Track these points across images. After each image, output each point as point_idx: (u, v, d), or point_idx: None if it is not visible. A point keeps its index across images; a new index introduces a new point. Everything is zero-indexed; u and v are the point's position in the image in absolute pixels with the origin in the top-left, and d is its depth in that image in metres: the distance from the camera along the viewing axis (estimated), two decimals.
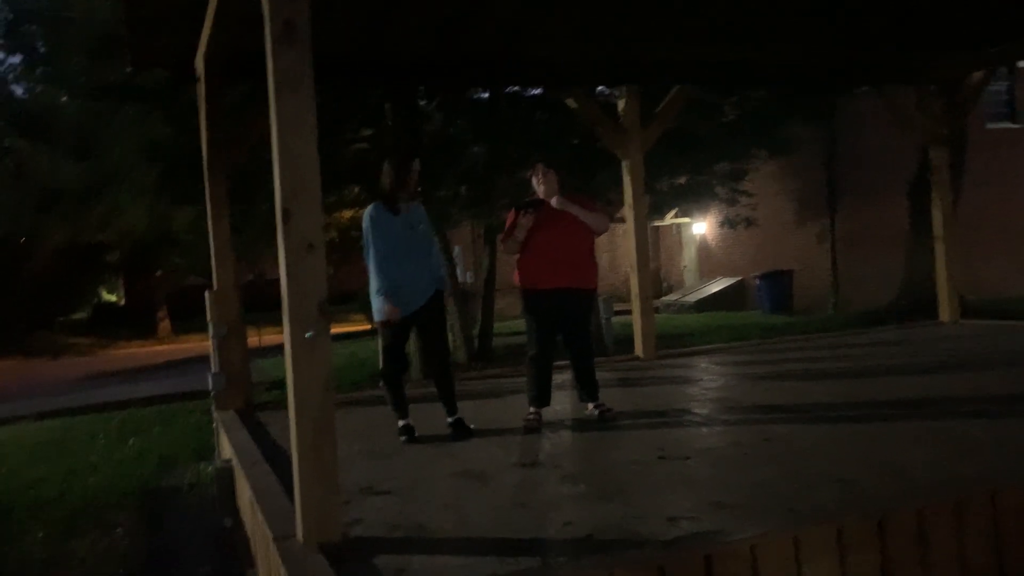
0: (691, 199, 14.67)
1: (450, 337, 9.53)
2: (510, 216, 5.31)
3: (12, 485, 6.79)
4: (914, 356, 7.53)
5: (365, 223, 4.99)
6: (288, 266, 3.07)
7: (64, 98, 22.49)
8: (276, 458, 4.59)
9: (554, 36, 6.91)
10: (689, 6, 6.53)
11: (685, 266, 24.73)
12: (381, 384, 5.38)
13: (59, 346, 27.96)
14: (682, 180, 13.49)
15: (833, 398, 5.69)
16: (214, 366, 6.43)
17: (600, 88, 10.40)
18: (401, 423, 5.12)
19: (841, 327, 12.55)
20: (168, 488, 6.51)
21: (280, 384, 10.69)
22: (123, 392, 13.78)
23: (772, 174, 17.63)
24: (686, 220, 23.03)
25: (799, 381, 6.59)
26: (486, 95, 11.66)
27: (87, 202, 22.50)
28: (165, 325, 29.30)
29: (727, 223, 16.64)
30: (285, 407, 3.21)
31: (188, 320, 27.03)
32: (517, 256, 5.30)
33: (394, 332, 5.06)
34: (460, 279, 11.33)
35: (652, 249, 23.50)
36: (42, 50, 22.54)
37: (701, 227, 22.87)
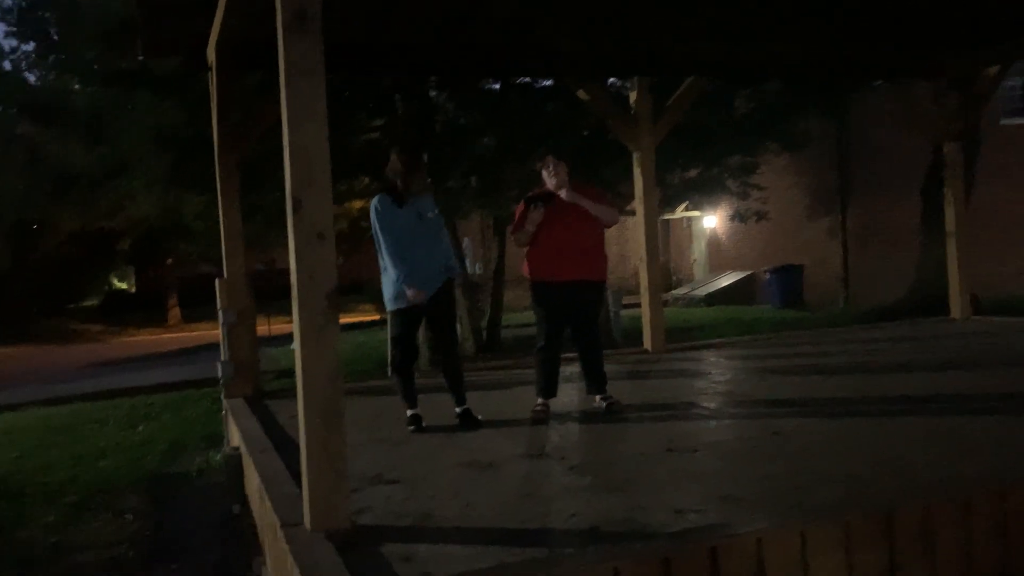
0: (702, 192, 14.61)
1: (458, 328, 9.54)
2: (519, 208, 5.30)
3: (22, 470, 6.84)
4: (925, 353, 7.50)
5: (372, 215, 5.00)
6: (298, 255, 3.08)
7: (76, 86, 22.56)
8: (284, 446, 4.61)
9: (565, 27, 6.89)
10: None
11: (695, 260, 24.67)
12: (390, 373, 5.39)
13: (70, 332, 28.15)
14: (693, 173, 13.44)
15: (842, 394, 5.68)
16: (223, 354, 6.46)
17: (612, 80, 10.37)
18: (409, 412, 5.13)
19: (851, 322, 12.51)
20: (177, 474, 6.54)
21: (289, 372, 10.74)
22: (133, 379, 13.86)
23: (784, 168, 17.56)
24: (696, 214, 22.96)
25: (808, 376, 6.57)
26: (496, 86, 11.64)
27: (99, 189, 22.61)
28: (175, 313, 29.45)
29: (738, 217, 16.58)
30: (294, 395, 3.22)
31: (198, 308, 27.16)
32: (526, 248, 5.30)
33: (404, 321, 5.06)
34: (469, 270, 11.33)
35: (662, 242, 23.45)
36: (55, 37, 22.62)
37: (711, 221, 22.79)
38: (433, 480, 3.97)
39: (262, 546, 4.12)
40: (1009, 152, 17.16)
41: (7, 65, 25.51)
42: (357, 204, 16.08)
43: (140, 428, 8.44)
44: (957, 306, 9.37)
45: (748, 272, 20.91)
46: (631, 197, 9.03)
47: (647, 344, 8.22)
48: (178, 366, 15.83)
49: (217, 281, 6.52)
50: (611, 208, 5.33)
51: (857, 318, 13.69)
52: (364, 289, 19.86)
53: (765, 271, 18.96)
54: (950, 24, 7.58)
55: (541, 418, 5.17)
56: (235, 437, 5.60)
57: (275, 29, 3.08)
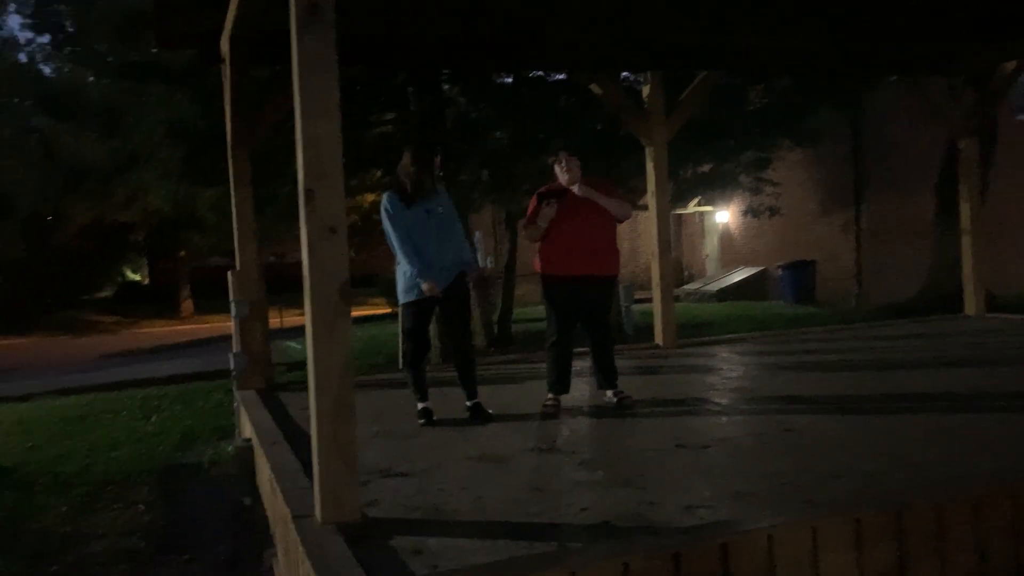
0: (715, 187, 14.55)
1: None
2: (532, 202, 5.29)
3: (36, 460, 6.89)
4: (938, 350, 7.46)
5: (382, 213, 5.02)
6: (310, 248, 3.08)
7: (91, 78, 22.68)
8: (296, 438, 4.63)
9: (578, 21, 6.86)
10: None
11: (707, 255, 24.58)
12: (401, 367, 5.40)
13: (83, 324, 28.30)
14: (706, 168, 13.39)
15: (854, 390, 5.65)
16: (236, 346, 6.48)
17: (624, 74, 10.33)
18: (420, 406, 5.14)
19: (864, 319, 12.44)
20: (188, 466, 6.57)
21: (300, 365, 10.77)
22: (145, 370, 13.93)
23: (797, 163, 17.45)
24: (709, 208, 22.87)
25: (820, 372, 6.55)
26: (509, 80, 11.62)
27: (112, 182, 22.72)
28: (188, 305, 29.55)
29: (751, 212, 16.50)
30: (305, 388, 3.23)
31: (210, 300, 27.24)
32: (539, 242, 5.29)
33: (416, 314, 5.07)
34: (480, 264, 11.32)
35: (674, 237, 23.37)
36: (70, 29, 22.72)
37: (724, 216, 22.70)
38: (443, 473, 3.97)
39: (273, 538, 4.14)
40: None
41: (22, 57, 25.68)
42: (369, 198, 16.10)
43: (152, 419, 8.48)
44: (972, 303, 9.31)
45: (760, 268, 20.82)
46: (643, 192, 9.00)
47: (658, 339, 8.20)
48: (190, 358, 15.89)
49: (230, 273, 6.54)
50: (623, 202, 5.32)
51: (870, 315, 13.61)
52: (375, 282, 19.87)
53: (777, 267, 18.88)
54: (966, 19, 7.51)
55: (552, 413, 5.17)
56: (247, 429, 5.62)
57: (288, 22, 3.08)
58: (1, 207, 23.18)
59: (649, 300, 9.22)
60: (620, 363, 5.53)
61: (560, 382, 5.30)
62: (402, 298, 5.10)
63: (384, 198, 5.04)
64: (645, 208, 8.58)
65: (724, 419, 4.96)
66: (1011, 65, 8.89)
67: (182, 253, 28.27)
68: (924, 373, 6.25)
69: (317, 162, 3.08)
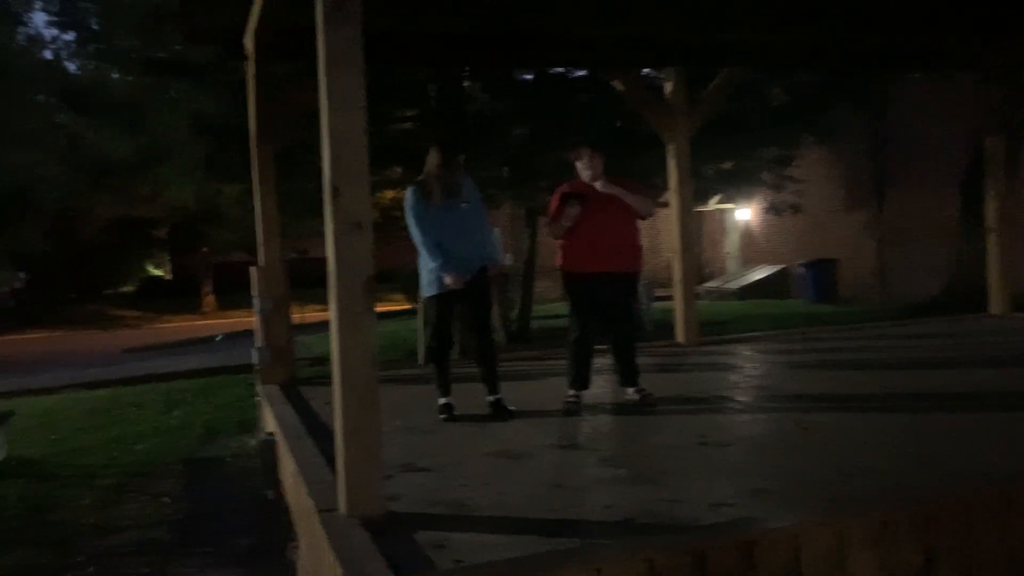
0: (736, 184, 14.49)
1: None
2: (554, 199, 5.28)
3: (61, 452, 6.98)
4: (962, 349, 7.39)
5: (406, 208, 5.05)
6: (336, 244, 3.09)
7: (115, 75, 22.88)
8: (319, 432, 4.65)
9: (600, 16, 6.84)
10: None
11: (728, 253, 24.46)
12: (422, 361, 5.41)
13: (107, 318, 28.61)
14: (727, 165, 13.32)
15: (877, 389, 5.61)
16: (258, 340, 6.52)
17: (646, 71, 10.29)
18: (442, 401, 5.15)
19: (886, 317, 12.34)
20: (211, 459, 6.64)
21: (322, 360, 10.83)
22: (168, 364, 14.05)
23: (819, 160, 17.34)
24: (730, 206, 22.75)
25: (843, 371, 6.50)
26: (530, 76, 11.61)
27: (136, 177, 22.93)
28: (210, 300, 29.79)
29: (772, 209, 16.40)
30: (327, 383, 3.24)
31: (232, 295, 27.44)
32: (560, 239, 5.29)
33: (439, 307, 5.09)
34: (499, 260, 11.33)
35: (694, 235, 23.26)
36: (95, 27, 22.93)
37: (745, 213, 22.58)
38: (465, 469, 3.98)
39: (296, 531, 4.16)
40: None
41: (48, 54, 25.95)
42: (389, 194, 16.13)
43: (176, 413, 8.56)
44: (997, 302, 9.21)
45: (781, 266, 20.69)
46: (664, 188, 8.97)
47: (679, 337, 8.17)
48: (212, 352, 16.02)
49: (253, 269, 6.58)
50: (647, 199, 5.30)
51: (892, 313, 13.50)
52: (395, 278, 19.91)
53: (799, 265, 18.76)
54: (991, 13, 7.42)
55: (573, 409, 5.17)
56: (269, 423, 5.66)
57: (314, 17, 3.09)
58: (27, 203, 23.46)
59: (668, 298, 9.19)
60: (641, 360, 5.50)
61: (581, 379, 5.29)
62: (425, 291, 5.13)
63: (408, 193, 5.07)
64: (666, 205, 8.55)
65: (746, 417, 4.93)
66: None
67: (204, 248, 28.49)
68: (949, 372, 6.19)
69: (343, 158, 3.09)
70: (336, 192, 3.08)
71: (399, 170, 12.28)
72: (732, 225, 24.01)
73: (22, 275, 32.90)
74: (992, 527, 3.10)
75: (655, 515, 3.16)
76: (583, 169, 5.22)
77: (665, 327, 9.50)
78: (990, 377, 5.87)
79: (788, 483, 3.51)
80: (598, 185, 5.13)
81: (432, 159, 5.00)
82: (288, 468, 4.42)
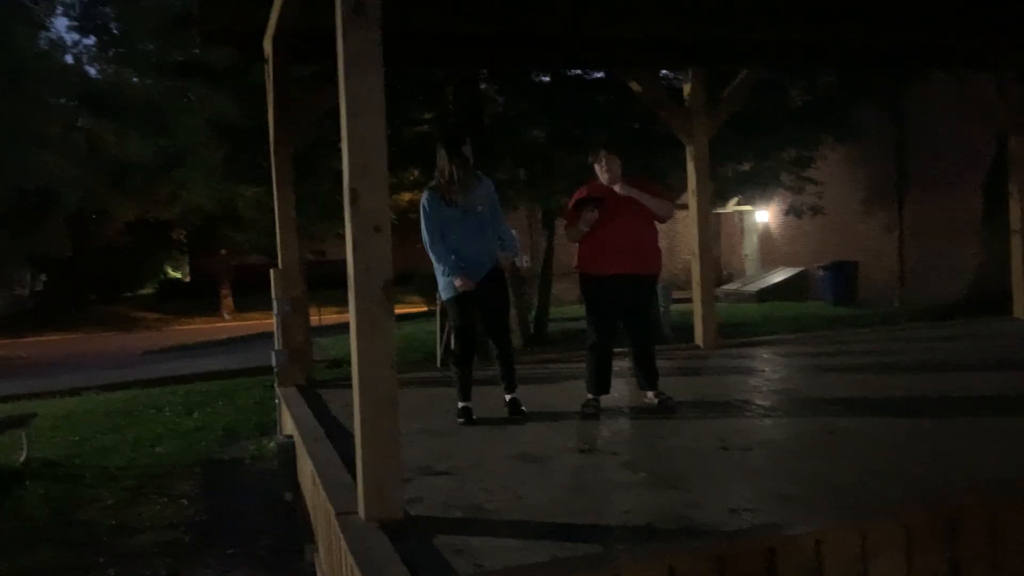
0: (755, 186, 14.40)
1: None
2: (571, 202, 5.26)
3: (82, 453, 7.02)
4: (984, 352, 7.30)
5: (421, 210, 5.05)
6: (355, 246, 3.09)
7: (135, 79, 23.08)
8: (337, 435, 4.66)
9: (618, 16, 6.81)
10: None
11: (746, 255, 24.33)
12: (440, 364, 5.40)
13: (126, 320, 28.84)
14: (746, 166, 13.25)
15: (899, 392, 5.55)
16: (277, 343, 6.53)
17: (664, 72, 10.25)
18: (461, 405, 5.14)
19: (907, 320, 12.23)
20: (230, 461, 6.66)
21: (339, 362, 10.84)
22: (187, 366, 14.13)
23: (839, 161, 17.20)
24: (748, 208, 22.64)
25: (864, 374, 6.43)
26: (547, 78, 11.60)
27: (155, 180, 23.12)
28: (228, 302, 29.94)
29: (792, 211, 16.29)
30: (346, 385, 3.24)
31: (250, 297, 27.58)
32: (578, 242, 5.26)
33: (461, 307, 5.08)
34: (517, 263, 11.30)
35: (713, 237, 23.14)
36: (115, 32, 23.14)
37: (764, 215, 22.45)
38: (483, 472, 3.97)
39: (314, 533, 4.17)
40: None
41: (69, 59, 26.22)
42: (406, 196, 16.17)
43: (195, 415, 8.60)
44: (1020, 305, 9.09)
45: (800, 268, 20.54)
46: (682, 189, 8.91)
47: (698, 340, 8.12)
48: (231, 354, 16.09)
49: (272, 270, 6.59)
50: (666, 201, 5.26)
51: (913, 316, 13.38)
52: (413, 280, 19.94)
53: (819, 267, 18.62)
54: (1014, 13, 7.33)
55: (592, 413, 5.13)
56: (288, 425, 5.67)
57: (333, 20, 3.09)
58: (48, 204, 23.70)
59: (686, 300, 9.14)
60: (659, 364, 5.47)
61: (600, 383, 5.25)
62: (444, 294, 5.15)
63: (424, 196, 5.07)
64: (685, 207, 8.50)
65: (767, 421, 4.89)
66: None
67: (223, 251, 28.64)
68: (972, 375, 6.12)
69: (362, 161, 3.09)
70: (355, 195, 3.08)
71: (416, 172, 12.30)
72: (751, 227, 23.88)
73: (43, 277, 33.27)
74: (1019, 533, 3.05)
75: (676, 520, 3.13)
76: (601, 172, 5.19)
77: (684, 330, 9.45)
78: (1014, 381, 5.80)
79: (810, 488, 3.48)
80: (617, 188, 5.10)
81: (441, 156, 5.00)
82: (306, 470, 4.43)
